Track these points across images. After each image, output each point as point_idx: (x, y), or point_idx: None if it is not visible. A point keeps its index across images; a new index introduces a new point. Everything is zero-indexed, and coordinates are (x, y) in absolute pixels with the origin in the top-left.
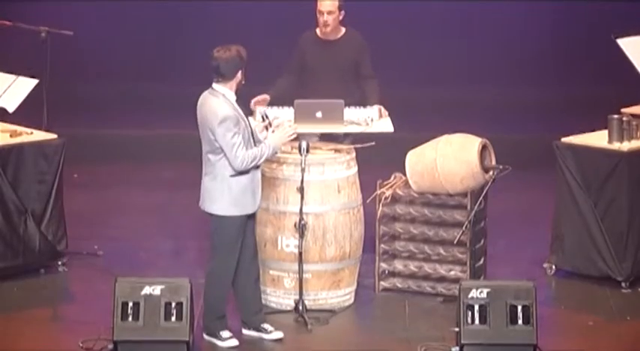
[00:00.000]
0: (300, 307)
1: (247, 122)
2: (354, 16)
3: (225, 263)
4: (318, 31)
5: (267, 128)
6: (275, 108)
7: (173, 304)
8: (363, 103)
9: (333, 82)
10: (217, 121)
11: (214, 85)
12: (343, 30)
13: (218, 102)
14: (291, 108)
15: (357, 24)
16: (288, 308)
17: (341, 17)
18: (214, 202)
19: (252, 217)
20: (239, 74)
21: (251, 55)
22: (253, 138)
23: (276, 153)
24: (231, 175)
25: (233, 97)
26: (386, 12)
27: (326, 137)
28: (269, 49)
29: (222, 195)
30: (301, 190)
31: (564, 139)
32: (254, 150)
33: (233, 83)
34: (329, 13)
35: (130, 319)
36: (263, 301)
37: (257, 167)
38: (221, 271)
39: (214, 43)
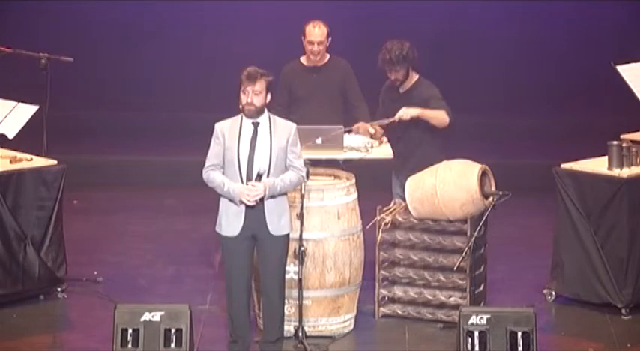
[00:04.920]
0: (300, 334)
1: (238, 149)
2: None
3: (226, 284)
4: (302, 58)
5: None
6: None
7: (173, 331)
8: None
9: (322, 108)
10: None
11: None
12: (328, 56)
13: (232, 117)
14: None
15: (351, 54)
16: (288, 334)
17: (328, 44)
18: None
19: (263, 246)
20: (241, 96)
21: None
22: (240, 168)
23: (234, 200)
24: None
25: (246, 119)
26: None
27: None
28: None
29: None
30: (301, 216)
31: (564, 166)
32: (219, 178)
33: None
34: (319, 43)
35: (130, 345)
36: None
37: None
38: (226, 292)
39: (217, 71)
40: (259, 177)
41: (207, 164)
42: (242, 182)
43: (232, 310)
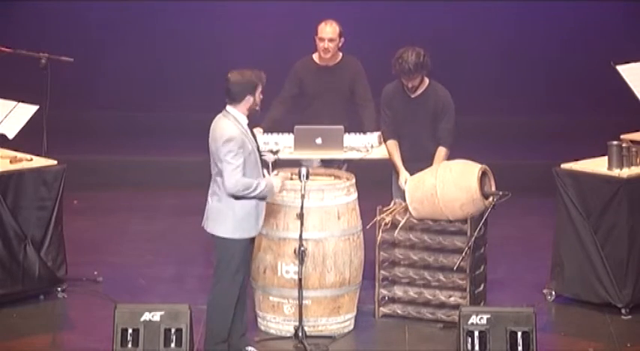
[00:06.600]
0: (300, 334)
1: (255, 146)
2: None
3: (228, 287)
4: (315, 56)
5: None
6: (275, 134)
7: (173, 331)
8: (360, 127)
9: (332, 108)
10: (222, 141)
11: (227, 107)
12: (340, 56)
13: (227, 123)
14: (291, 134)
15: (355, 53)
16: (288, 334)
17: (341, 44)
18: (218, 224)
19: (252, 241)
20: (249, 98)
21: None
22: (260, 161)
23: (268, 195)
24: (237, 198)
25: (244, 120)
26: (380, 40)
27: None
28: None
29: (227, 218)
30: (301, 216)
31: (564, 166)
32: (251, 180)
33: (243, 107)
34: (330, 40)
35: (130, 345)
36: (263, 328)
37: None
38: (224, 295)
39: (217, 71)
40: (273, 166)
41: (239, 173)
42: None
43: (229, 312)
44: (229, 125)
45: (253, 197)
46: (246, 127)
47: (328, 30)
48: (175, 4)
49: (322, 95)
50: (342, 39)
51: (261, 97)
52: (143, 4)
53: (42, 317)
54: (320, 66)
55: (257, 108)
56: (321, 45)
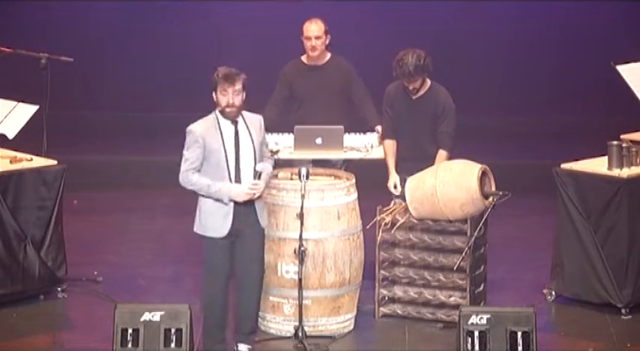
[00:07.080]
0: (300, 334)
1: (226, 149)
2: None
3: (208, 285)
4: (303, 57)
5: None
6: (275, 134)
7: (173, 331)
8: (358, 126)
9: (323, 107)
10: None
11: None
12: (329, 55)
13: (203, 119)
14: (291, 134)
15: (355, 52)
16: (288, 334)
17: (327, 42)
18: (195, 219)
19: (249, 240)
20: (214, 96)
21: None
22: (228, 167)
23: (223, 199)
24: (201, 195)
25: (223, 120)
26: (391, 44)
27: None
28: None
29: (196, 214)
30: (301, 216)
31: (564, 166)
32: (201, 180)
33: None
34: (317, 38)
35: (130, 345)
36: (263, 328)
37: None
38: (208, 294)
39: (213, 70)
40: (259, 175)
41: (186, 167)
42: (230, 182)
43: (216, 310)
44: (202, 120)
45: (205, 196)
46: (226, 126)
47: (313, 28)
48: (175, 5)
49: (314, 95)
50: (329, 36)
51: (228, 100)
52: (143, 4)
53: (42, 317)
54: (309, 66)
55: (219, 108)
56: (308, 44)
